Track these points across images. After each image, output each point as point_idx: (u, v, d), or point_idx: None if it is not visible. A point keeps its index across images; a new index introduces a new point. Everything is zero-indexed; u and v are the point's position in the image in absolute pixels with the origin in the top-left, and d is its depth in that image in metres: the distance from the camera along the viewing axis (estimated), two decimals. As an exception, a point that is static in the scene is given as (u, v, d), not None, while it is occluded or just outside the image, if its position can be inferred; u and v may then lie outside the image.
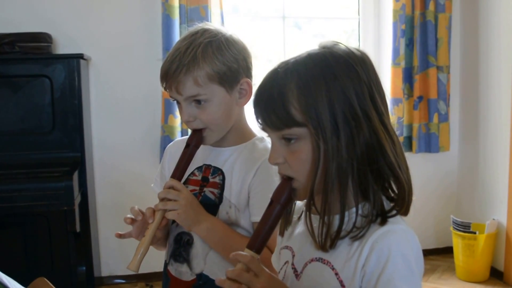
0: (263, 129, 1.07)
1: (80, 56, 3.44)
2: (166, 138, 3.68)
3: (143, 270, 3.79)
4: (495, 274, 3.99)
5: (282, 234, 1.19)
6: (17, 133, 3.44)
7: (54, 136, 3.44)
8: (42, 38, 3.45)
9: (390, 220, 1.02)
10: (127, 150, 3.92)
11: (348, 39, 4.45)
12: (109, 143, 3.90)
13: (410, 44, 4.12)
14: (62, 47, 3.70)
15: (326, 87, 0.99)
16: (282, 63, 1.05)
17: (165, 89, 1.45)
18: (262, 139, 1.52)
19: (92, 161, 3.83)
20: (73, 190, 3.12)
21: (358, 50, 1.06)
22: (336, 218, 1.02)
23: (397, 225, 1.01)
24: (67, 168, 3.28)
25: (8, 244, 3.50)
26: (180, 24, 3.67)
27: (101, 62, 3.81)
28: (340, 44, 1.06)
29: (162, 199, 1.41)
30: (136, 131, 3.93)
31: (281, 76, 1.02)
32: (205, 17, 3.63)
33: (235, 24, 4.18)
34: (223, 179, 1.48)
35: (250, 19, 4.37)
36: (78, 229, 3.29)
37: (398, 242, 0.99)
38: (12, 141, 3.41)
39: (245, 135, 1.53)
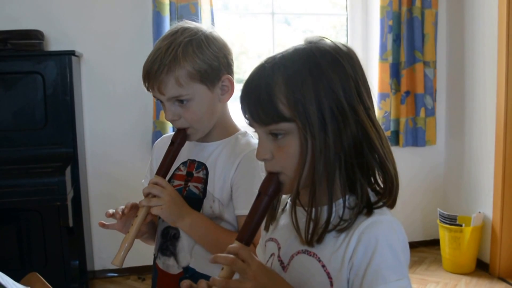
0: (250, 124, 1.07)
1: (71, 53, 3.44)
2: (158, 134, 3.70)
3: (136, 263, 3.85)
4: (481, 266, 4.05)
5: (267, 229, 1.20)
6: (10, 129, 3.44)
7: (46, 132, 3.44)
8: (34, 35, 3.46)
9: (376, 211, 1.02)
10: (120, 145, 3.95)
11: (337, 34, 4.48)
12: (101, 138, 3.93)
13: (397, 40, 4.16)
14: (54, 44, 3.72)
15: (313, 82, 0.99)
16: (269, 58, 1.05)
17: (147, 89, 1.45)
18: (245, 134, 1.53)
19: (84, 157, 3.85)
20: (66, 185, 3.12)
21: (344, 45, 1.06)
22: (324, 210, 1.02)
23: (383, 216, 1.02)
24: (59, 164, 3.28)
25: (2, 239, 3.52)
26: (171, 21, 3.69)
27: (93, 58, 3.84)
28: (326, 39, 1.06)
29: (146, 195, 1.43)
30: (128, 127, 3.95)
31: (268, 72, 1.02)
32: (195, 14, 3.64)
33: (225, 20, 4.21)
34: (207, 174, 1.49)
35: (240, 16, 4.39)
36: (71, 223, 3.30)
37: (384, 232, 0.99)
38: (5, 137, 3.41)
39: (228, 130, 1.54)
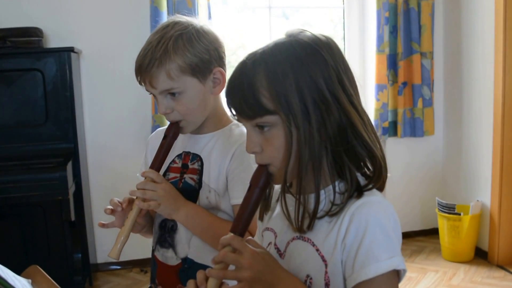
0: (238, 119, 1.09)
1: (70, 50, 3.47)
2: (157, 128, 3.68)
3: (138, 256, 3.87)
4: (480, 254, 4.08)
5: (261, 218, 1.22)
6: (11, 126, 3.47)
7: (47, 128, 3.47)
8: (33, 33, 3.48)
9: (366, 193, 1.04)
10: (120, 140, 3.98)
11: (334, 27, 4.50)
12: (101, 134, 3.96)
13: (394, 31, 4.17)
14: (53, 41, 3.74)
15: (293, 74, 1.01)
16: (250, 54, 1.07)
17: (139, 83, 1.47)
18: (238, 125, 1.54)
19: (85, 152, 3.89)
20: (67, 180, 3.16)
21: (323, 35, 1.08)
22: (312, 197, 1.05)
23: (373, 197, 1.04)
24: (61, 159, 3.32)
25: (6, 234, 3.56)
26: (168, 15, 3.68)
27: (92, 54, 3.87)
28: (305, 32, 1.07)
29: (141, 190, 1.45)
30: (128, 121, 3.98)
31: (249, 67, 1.04)
32: (192, 9, 3.66)
33: (222, 15, 4.21)
34: (202, 165, 1.51)
35: (237, 10, 4.40)
36: (73, 218, 3.34)
37: (374, 212, 1.02)
38: (6, 134, 3.45)
39: (222, 121, 1.55)
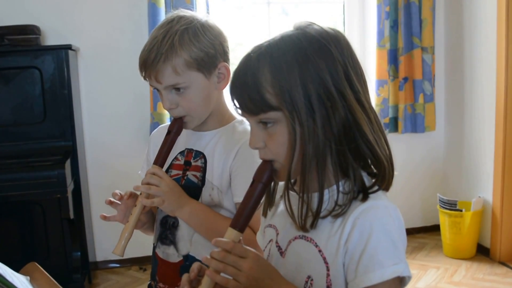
0: (241, 114, 1.07)
1: (68, 47, 3.46)
2: (156, 125, 3.69)
3: (137, 254, 3.87)
4: (482, 250, 4.07)
5: (265, 214, 1.20)
6: (9, 124, 3.46)
7: (45, 126, 3.47)
8: (31, 31, 3.47)
9: (372, 196, 1.02)
10: (118, 137, 3.97)
11: (335, 23, 4.47)
12: (100, 131, 3.94)
13: (394, 26, 4.14)
14: (51, 38, 3.72)
15: (299, 69, 0.99)
16: (256, 47, 1.04)
17: (144, 78, 1.46)
18: (241, 122, 1.53)
19: (83, 149, 3.87)
20: (66, 178, 3.16)
21: (332, 29, 1.05)
22: (315, 196, 1.03)
23: (378, 201, 1.02)
24: (59, 157, 3.32)
25: (5, 232, 3.56)
26: (166, 12, 3.68)
27: (89, 52, 3.84)
28: (314, 25, 1.05)
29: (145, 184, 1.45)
30: (126, 118, 3.97)
31: (254, 61, 1.02)
32: (190, 5, 3.65)
33: (221, 11, 4.18)
34: (205, 162, 1.50)
35: (236, 7, 4.36)
36: (72, 215, 3.34)
37: (380, 217, 0.99)
38: (4, 132, 3.44)
39: (224, 118, 1.54)
